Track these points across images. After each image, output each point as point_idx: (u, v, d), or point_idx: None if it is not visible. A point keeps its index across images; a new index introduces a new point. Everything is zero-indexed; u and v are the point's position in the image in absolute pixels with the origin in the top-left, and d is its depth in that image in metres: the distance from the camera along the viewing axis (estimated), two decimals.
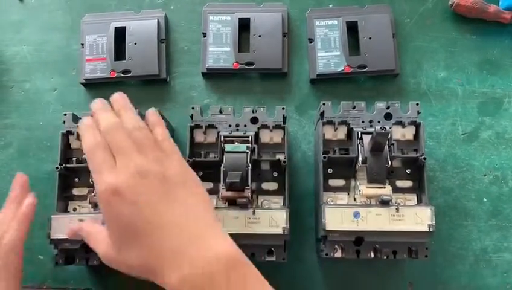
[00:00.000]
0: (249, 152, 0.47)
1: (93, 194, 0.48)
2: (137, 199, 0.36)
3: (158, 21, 0.60)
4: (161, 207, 0.36)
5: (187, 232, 0.36)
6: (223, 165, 0.47)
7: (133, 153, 0.38)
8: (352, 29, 0.59)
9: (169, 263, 0.35)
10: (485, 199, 0.56)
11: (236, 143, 0.48)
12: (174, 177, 0.38)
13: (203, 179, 0.50)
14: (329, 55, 0.58)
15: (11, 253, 0.43)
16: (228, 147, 0.48)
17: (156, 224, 0.36)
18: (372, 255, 0.47)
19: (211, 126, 0.51)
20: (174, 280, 0.34)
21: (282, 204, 0.50)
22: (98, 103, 0.42)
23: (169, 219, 0.36)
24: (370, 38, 0.58)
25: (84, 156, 0.48)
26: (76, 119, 0.51)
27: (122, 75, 0.58)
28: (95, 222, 0.41)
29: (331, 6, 0.61)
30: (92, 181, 0.47)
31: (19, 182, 0.47)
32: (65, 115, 0.51)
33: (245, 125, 0.50)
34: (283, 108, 0.51)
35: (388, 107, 0.50)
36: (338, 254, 0.48)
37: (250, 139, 0.48)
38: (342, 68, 0.57)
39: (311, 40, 0.59)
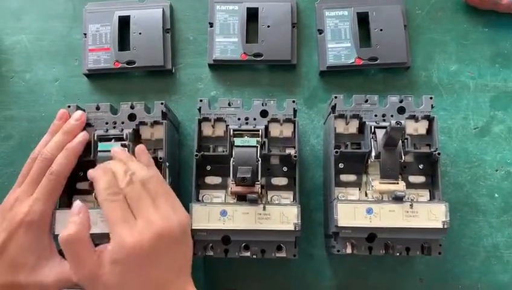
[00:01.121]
0: (259, 146, 0.46)
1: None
2: (158, 261, 0.39)
3: (163, 10, 0.58)
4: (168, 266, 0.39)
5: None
6: (232, 159, 0.46)
7: (150, 208, 0.40)
8: (363, 20, 0.57)
9: None
10: (496, 195, 0.55)
11: (245, 137, 0.47)
12: (179, 236, 0.41)
13: (212, 173, 0.50)
14: (339, 47, 0.57)
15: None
16: (238, 141, 0.46)
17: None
18: (384, 252, 0.47)
19: (219, 119, 0.49)
20: None
21: (292, 199, 0.49)
22: (118, 152, 0.45)
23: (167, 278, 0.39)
24: (381, 30, 0.57)
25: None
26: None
27: (127, 65, 0.57)
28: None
29: None
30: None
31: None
32: (69, 106, 0.49)
33: (254, 119, 0.49)
34: (293, 101, 0.49)
35: (401, 101, 0.49)
36: (349, 250, 0.47)
37: (260, 133, 0.47)
38: (353, 60, 0.56)
39: (320, 31, 0.58)
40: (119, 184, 0.41)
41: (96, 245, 0.45)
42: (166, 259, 0.39)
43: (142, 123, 0.49)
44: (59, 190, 0.46)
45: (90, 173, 0.44)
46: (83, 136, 0.47)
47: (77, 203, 0.42)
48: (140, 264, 0.38)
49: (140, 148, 0.46)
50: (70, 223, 0.40)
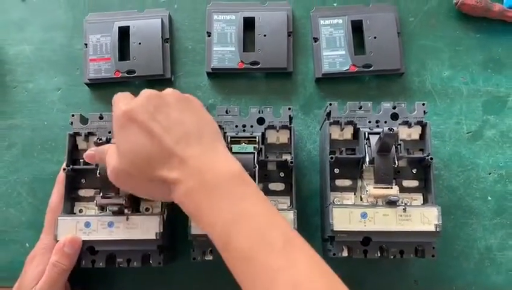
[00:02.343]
0: (256, 153, 0.47)
1: (100, 195, 0.47)
2: (152, 111, 0.40)
3: (162, 20, 0.60)
4: (176, 116, 0.41)
5: (202, 144, 0.40)
6: None
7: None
8: (357, 28, 0.59)
9: (180, 173, 0.38)
10: (489, 198, 0.56)
11: (243, 144, 0.48)
12: (188, 97, 0.43)
13: None
14: (334, 55, 0.58)
15: None
16: (235, 148, 0.48)
17: (170, 130, 0.40)
18: (379, 255, 0.48)
19: None
20: (180, 192, 0.38)
21: (289, 204, 0.50)
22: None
23: (185, 128, 0.40)
24: (375, 37, 0.58)
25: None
26: (84, 120, 0.51)
27: (127, 75, 0.58)
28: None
29: (335, 5, 0.61)
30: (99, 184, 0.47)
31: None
32: (73, 116, 0.51)
33: (251, 126, 0.50)
34: (289, 108, 0.51)
35: (394, 107, 0.50)
36: (345, 254, 0.48)
37: (257, 139, 0.48)
38: (347, 67, 0.57)
39: (316, 39, 0.59)
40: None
41: (96, 252, 0.47)
42: (169, 118, 0.40)
43: None
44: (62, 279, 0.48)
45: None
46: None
47: None
48: (139, 123, 0.39)
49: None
50: None
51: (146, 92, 0.42)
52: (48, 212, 0.50)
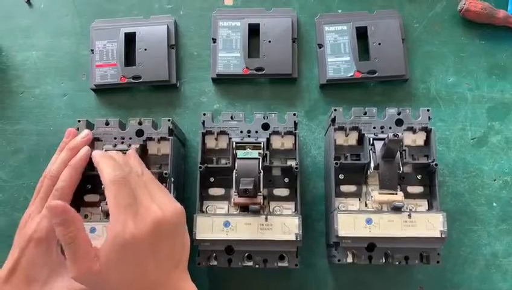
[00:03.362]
0: (261, 158, 0.48)
1: (105, 201, 0.47)
2: (157, 251, 0.40)
3: (168, 26, 0.60)
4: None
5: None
6: (235, 171, 0.47)
7: (148, 198, 0.41)
8: (361, 34, 0.59)
9: None
10: (494, 204, 0.56)
11: (248, 149, 0.48)
12: (176, 224, 0.42)
13: (215, 185, 0.51)
14: (339, 61, 0.58)
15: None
16: (240, 154, 0.48)
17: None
18: (384, 261, 0.48)
19: (222, 132, 0.51)
20: None
21: (293, 210, 0.50)
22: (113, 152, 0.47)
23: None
24: (379, 43, 0.58)
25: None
26: (90, 125, 0.51)
27: (133, 80, 0.58)
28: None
29: (340, 11, 0.61)
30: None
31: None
32: (79, 121, 0.51)
33: (256, 132, 0.51)
34: (294, 114, 0.51)
35: (399, 113, 0.50)
36: (349, 260, 0.48)
37: (261, 145, 0.49)
38: (352, 73, 0.58)
39: (320, 46, 0.59)
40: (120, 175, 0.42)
41: None
42: (164, 249, 0.40)
43: (150, 139, 0.51)
44: None
45: (96, 156, 0.45)
46: (84, 151, 0.48)
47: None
48: (139, 253, 0.39)
49: (132, 151, 0.48)
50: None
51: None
52: (47, 179, 0.48)
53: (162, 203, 0.42)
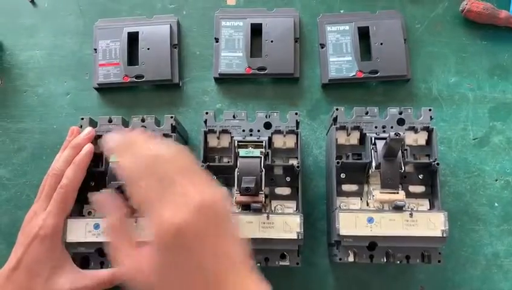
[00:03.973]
0: (263, 157, 0.48)
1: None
2: (207, 242, 0.33)
3: (170, 26, 0.60)
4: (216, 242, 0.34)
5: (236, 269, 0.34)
6: (237, 170, 0.47)
7: (183, 185, 0.33)
8: (363, 34, 0.59)
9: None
10: (496, 204, 0.56)
11: (250, 148, 0.49)
12: (221, 210, 0.35)
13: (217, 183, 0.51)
14: (341, 60, 0.58)
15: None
16: (242, 152, 0.48)
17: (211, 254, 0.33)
18: (385, 260, 0.48)
19: (224, 131, 0.51)
20: None
21: (295, 209, 0.50)
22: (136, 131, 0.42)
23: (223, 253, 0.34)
24: (381, 43, 0.58)
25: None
26: (93, 123, 0.52)
27: (136, 79, 0.59)
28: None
29: (342, 11, 0.62)
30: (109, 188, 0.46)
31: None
32: (82, 119, 0.51)
33: (258, 130, 0.51)
34: (296, 113, 0.51)
35: (401, 113, 0.51)
36: (351, 259, 0.48)
37: (263, 144, 0.49)
38: (354, 73, 0.58)
39: (322, 46, 0.60)
40: (145, 163, 0.34)
41: (105, 255, 0.47)
42: (214, 240, 0.33)
43: None
44: (70, 202, 0.48)
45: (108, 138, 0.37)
46: (88, 148, 0.49)
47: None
48: (189, 247, 0.32)
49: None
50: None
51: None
52: (51, 177, 0.48)
53: (201, 187, 0.34)
